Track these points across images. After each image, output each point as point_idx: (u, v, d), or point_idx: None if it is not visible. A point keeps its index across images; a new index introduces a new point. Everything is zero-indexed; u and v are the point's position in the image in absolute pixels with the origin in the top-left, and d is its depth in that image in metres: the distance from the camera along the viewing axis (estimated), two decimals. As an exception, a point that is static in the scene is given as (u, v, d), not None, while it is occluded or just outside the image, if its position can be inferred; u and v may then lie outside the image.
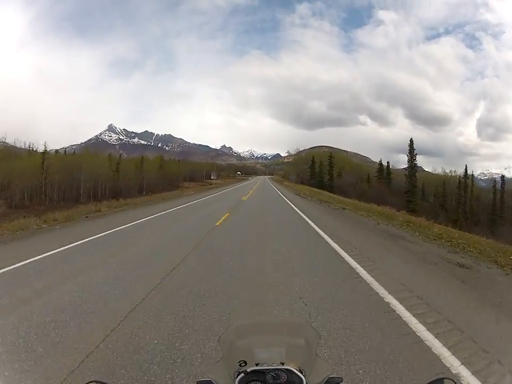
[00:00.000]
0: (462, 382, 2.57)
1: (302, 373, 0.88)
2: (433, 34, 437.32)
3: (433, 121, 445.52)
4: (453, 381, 0.95)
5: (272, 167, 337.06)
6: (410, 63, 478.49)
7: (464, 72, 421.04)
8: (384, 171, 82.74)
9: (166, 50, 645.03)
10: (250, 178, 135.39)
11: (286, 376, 0.87)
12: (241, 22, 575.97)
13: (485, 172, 79.27)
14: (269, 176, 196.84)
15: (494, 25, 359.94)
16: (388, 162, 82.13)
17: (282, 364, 0.89)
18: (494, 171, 75.84)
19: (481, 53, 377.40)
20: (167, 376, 2.57)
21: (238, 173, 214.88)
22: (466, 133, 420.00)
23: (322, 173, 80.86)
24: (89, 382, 0.98)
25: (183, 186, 64.25)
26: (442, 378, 0.94)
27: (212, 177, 46.90)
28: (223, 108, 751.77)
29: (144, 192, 49.23)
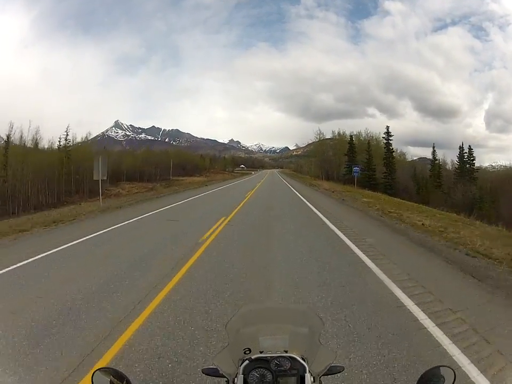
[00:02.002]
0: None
1: (305, 360, 0.85)
2: (440, 25, 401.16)
3: (441, 113, 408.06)
4: (451, 368, 0.89)
5: (281, 160, 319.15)
6: (418, 54, 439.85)
7: (473, 63, 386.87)
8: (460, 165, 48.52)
9: (171, 45, 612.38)
10: (253, 173, 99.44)
11: (290, 364, 0.84)
12: (246, 15, 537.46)
13: (493, 164, 50.01)
14: (278, 170, 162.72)
15: (500, 16, 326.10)
16: (469, 148, 46.61)
17: (286, 351, 0.86)
18: (501, 163, 48.86)
19: (488, 43, 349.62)
20: None
21: (242, 166, 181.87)
22: (474, 124, 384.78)
23: (370, 165, 46.28)
24: (96, 370, 0.92)
25: (112, 194, 31.02)
26: (439, 366, 0.89)
27: (96, 177, 13.91)
28: (230, 101, 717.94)
29: None
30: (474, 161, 45.71)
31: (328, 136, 67.00)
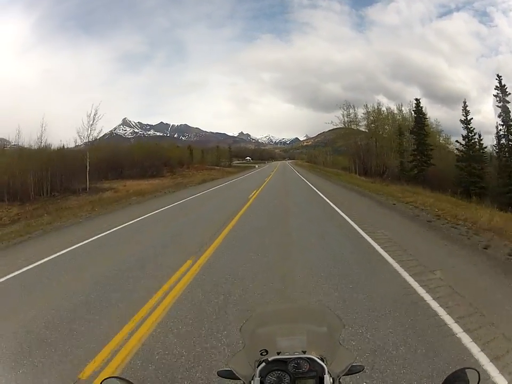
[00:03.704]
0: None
1: (323, 361, 0.79)
2: (445, 11, 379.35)
3: (450, 99, 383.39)
4: (476, 370, 0.82)
5: (292, 151, 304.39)
6: (424, 40, 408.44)
7: (479, 48, 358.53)
8: None
9: (175, 41, 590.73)
10: (257, 166, 76.20)
11: (308, 365, 0.78)
12: (249, 8, 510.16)
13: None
14: (290, 161, 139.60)
15: (502, 1, 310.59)
16: None
17: (304, 352, 0.80)
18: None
19: (493, 29, 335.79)
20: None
21: (247, 158, 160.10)
22: (483, 110, 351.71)
23: (472, 148, 23.44)
24: (105, 379, 0.84)
25: None
26: (465, 369, 0.83)
27: None
28: (238, 94, 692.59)
29: None
30: None
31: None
